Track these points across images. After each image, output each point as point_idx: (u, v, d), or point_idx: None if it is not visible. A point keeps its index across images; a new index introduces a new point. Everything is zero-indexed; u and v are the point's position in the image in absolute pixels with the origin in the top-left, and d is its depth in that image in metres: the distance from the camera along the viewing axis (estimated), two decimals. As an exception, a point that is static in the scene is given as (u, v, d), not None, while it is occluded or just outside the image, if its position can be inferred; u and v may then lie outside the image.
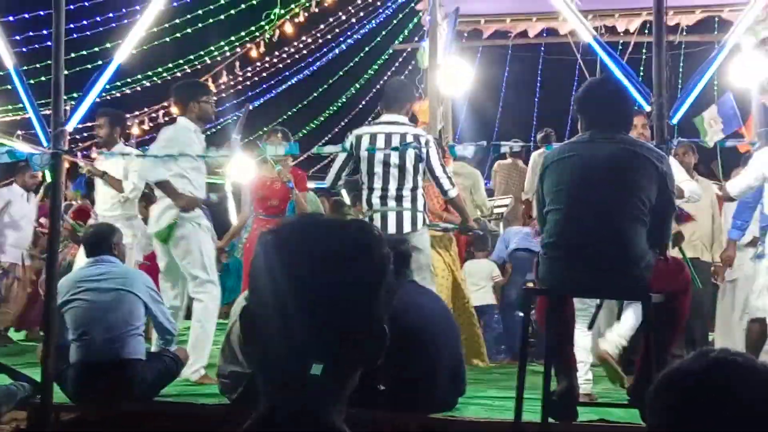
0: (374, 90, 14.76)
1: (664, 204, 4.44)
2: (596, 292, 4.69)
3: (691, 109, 6.03)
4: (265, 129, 8.75)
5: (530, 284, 5.72)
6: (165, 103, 13.58)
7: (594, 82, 4.82)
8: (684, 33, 10.48)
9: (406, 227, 6.22)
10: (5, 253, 9.44)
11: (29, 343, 9.38)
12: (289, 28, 13.40)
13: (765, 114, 9.04)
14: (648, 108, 5.25)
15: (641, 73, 10.62)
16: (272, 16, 13.12)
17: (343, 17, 14.27)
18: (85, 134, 10.22)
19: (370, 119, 6.52)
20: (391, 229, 6.14)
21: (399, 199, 6.22)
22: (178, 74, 13.66)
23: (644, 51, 11.18)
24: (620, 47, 10.64)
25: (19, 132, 10.00)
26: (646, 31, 10.00)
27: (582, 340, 5.61)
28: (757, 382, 1.45)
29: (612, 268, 4.37)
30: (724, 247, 7.45)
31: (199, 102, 6.71)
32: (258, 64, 14.50)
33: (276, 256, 1.41)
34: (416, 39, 11.19)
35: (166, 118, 14.39)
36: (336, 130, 15.39)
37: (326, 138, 14.00)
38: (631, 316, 5.77)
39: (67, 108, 5.67)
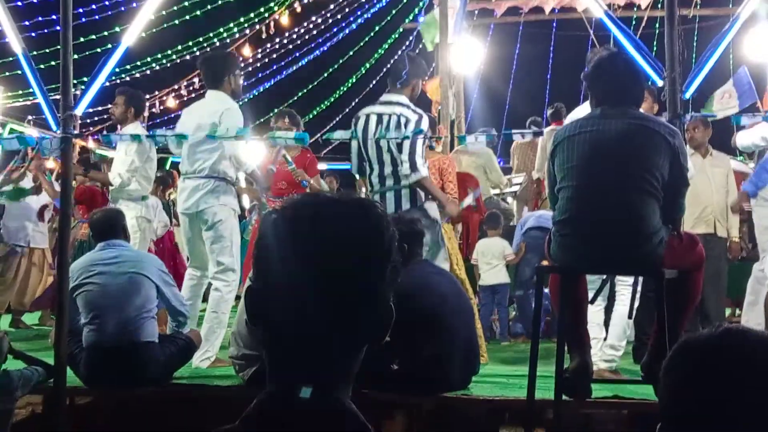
0: (384, 70, 14.72)
1: (676, 179, 4.39)
2: (609, 268, 4.65)
3: (705, 83, 5.99)
4: (274, 110, 8.67)
5: (544, 263, 5.70)
6: (175, 86, 13.64)
7: (604, 57, 4.76)
8: (698, 6, 10.40)
9: (404, 205, 6.19)
10: (12, 235, 9.48)
11: (43, 327, 9.44)
12: (298, 9, 13.38)
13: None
14: (660, 83, 5.19)
15: (654, 49, 10.55)
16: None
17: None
18: (96, 118, 10.22)
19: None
20: (390, 208, 6.11)
21: (395, 179, 6.18)
22: (187, 57, 13.68)
23: (657, 26, 11.10)
24: (633, 22, 10.57)
25: (29, 117, 10.02)
26: (659, 6, 9.92)
27: (594, 316, 5.63)
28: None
29: (624, 245, 4.33)
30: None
31: (234, 76, 6.62)
32: (268, 45, 14.49)
33: (281, 235, 1.41)
34: (422, 16, 11.10)
35: (177, 101, 14.43)
36: (346, 110, 15.37)
37: (336, 119, 14.00)
38: (618, 323, 5.80)
39: (77, 92, 5.66)
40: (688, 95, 5.35)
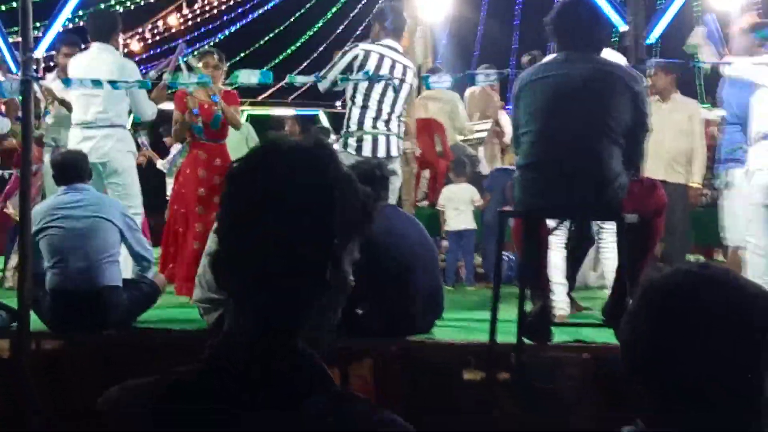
0: (350, 16, 14.62)
1: (637, 125, 4.43)
2: (570, 213, 4.69)
3: (668, 30, 5.98)
4: (240, 55, 8.55)
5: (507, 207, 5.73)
6: (139, 29, 13.48)
7: (567, 2, 4.75)
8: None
9: (393, 151, 6.28)
10: None
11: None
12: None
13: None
14: (624, 27, 5.19)
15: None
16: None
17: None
18: (52, 63, 10.08)
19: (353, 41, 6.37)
20: (381, 152, 6.19)
21: (388, 123, 6.25)
22: (141, 2, 13.48)
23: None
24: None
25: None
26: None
27: (558, 261, 5.72)
28: (727, 290, 1.47)
29: (586, 189, 4.37)
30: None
31: (117, 33, 6.94)
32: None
33: (236, 187, 1.46)
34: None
35: (141, 44, 14.29)
36: (313, 56, 15.26)
37: (303, 65, 13.90)
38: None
39: (39, 35, 5.58)
40: (650, 40, 5.36)
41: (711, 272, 1.50)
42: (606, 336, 4.82)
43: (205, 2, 14.43)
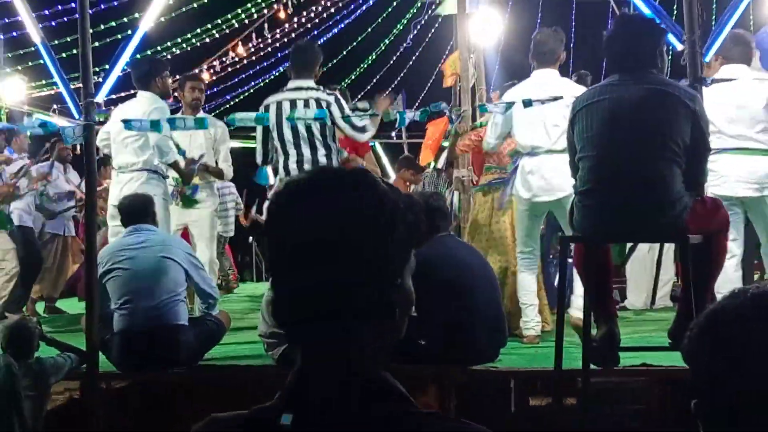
0: (405, 43, 14.68)
1: (697, 144, 4.36)
2: (633, 236, 4.65)
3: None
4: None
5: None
6: (196, 70, 13.65)
7: (618, 21, 4.72)
8: (717, -32, 10.25)
9: None
10: (46, 224, 9.58)
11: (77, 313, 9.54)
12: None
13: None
14: (680, 47, 5.15)
15: (674, 12, 10.42)
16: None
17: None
18: (112, 107, 10.29)
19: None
20: None
21: (315, 163, 6.15)
22: (207, 40, 13.70)
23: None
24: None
25: (55, 106, 10.08)
26: (678, -31, 9.79)
27: (531, 284, 6.18)
28: None
29: (648, 212, 4.32)
30: None
31: (162, 77, 7.01)
32: (286, 25, 14.47)
33: (283, 215, 1.44)
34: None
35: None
36: (368, 87, 15.35)
37: (359, 96, 13.97)
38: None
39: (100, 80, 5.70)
40: (708, 59, 5.31)
41: (764, 290, 1.46)
42: (673, 359, 4.75)
43: (260, 41, 14.62)
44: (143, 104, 6.74)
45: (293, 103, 6.19)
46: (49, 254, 9.65)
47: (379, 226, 1.41)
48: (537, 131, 6.07)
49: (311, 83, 6.29)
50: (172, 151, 6.94)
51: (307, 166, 6.13)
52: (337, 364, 1.41)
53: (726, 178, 5.97)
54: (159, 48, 13.70)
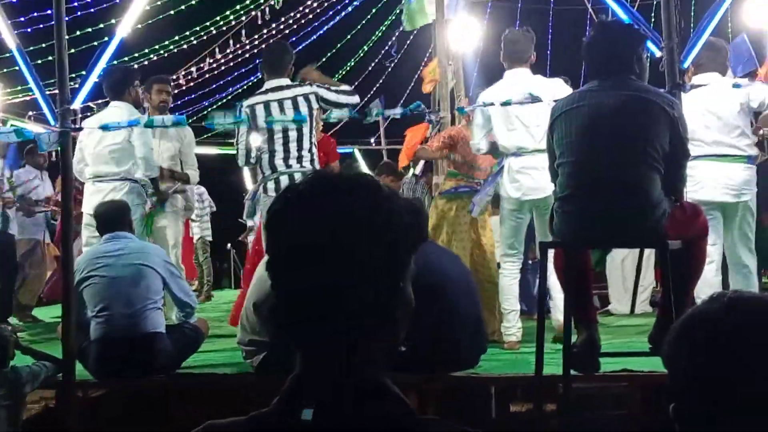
0: (383, 50, 14.69)
1: (676, 150, 4.37)
2: (613, 242, 4.65)
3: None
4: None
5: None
6: (173, 77, 13.60)
7: (597, 27, 4.72)
8: (694, -25, 10.32)
9: None
10: (26, 231, 9.49)
11: (53, 320, 9.45)
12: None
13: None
14: (659, 53, 5.16)
15: (652, 19, 10.48)
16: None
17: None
18: (90, 113, 10.22)
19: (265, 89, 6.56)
20: None
21: (300, 159, 6.31)
22: (184, 46, 13.64)
23: (654, -3, 11.04)
24: (630, -6, 10.47)
25: (30, 113, 10.00)
26: (656, -24, 9.85)
27: (513, 290, 6.24)
28: (759, 313, 1.43)
29: (627, 218, 4.32)
30: None
31: (134, 87, 7.13)
32: (264, 31, 14.46)
33: (291, 225, 1.42)
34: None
35: (176, 91, 14.49)
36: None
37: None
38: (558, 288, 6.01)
39: (76, 86, 5.66)
40: (686, 65, 5.33)
41: (750, 298, 1.47)
42: (653, 364, 4.76)
43: (237, 46, 14.59)
44: (121, 114, 6.70)
45: (281, 104, 6.30)
46: (33, 262, 9.56)
47: (375, 228, 1.40)
48: (519, 132, 6.11)
49: (288, 81, 6.42)
50: (157, 167, 6.98)
51: (293, 162, 6.27)
52: (333, 367, 1.40)
53: (703, 183, 5.99)
54: (136, 54, 13.65)
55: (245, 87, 15.83)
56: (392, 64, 14.49)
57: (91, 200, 6.77)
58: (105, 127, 5.94)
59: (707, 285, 5.26)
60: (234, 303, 7.86)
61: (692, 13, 12.36)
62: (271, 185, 6.34)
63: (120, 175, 6.78)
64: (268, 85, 6.44)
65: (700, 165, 5.93)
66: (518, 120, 6.10)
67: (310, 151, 6.36)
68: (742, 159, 6.10)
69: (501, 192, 6.33)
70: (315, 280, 1.38)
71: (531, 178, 6.08)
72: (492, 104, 6.10)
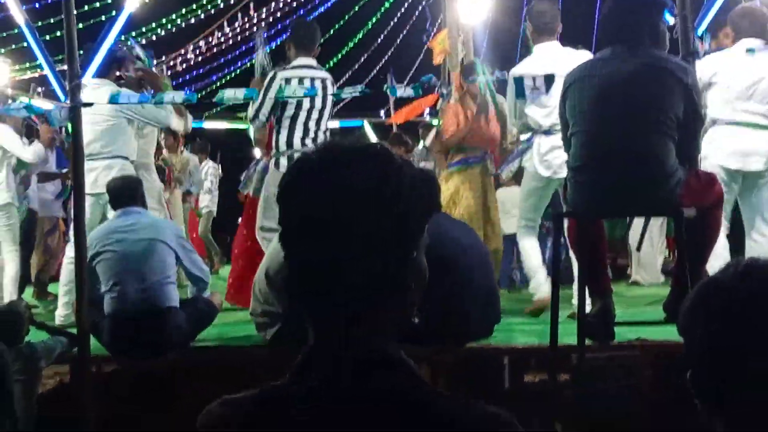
0: (392, 23, 14.61)
1: (690, 118, 4.33)
2: (627, 211, 4.63)
3: (716, 19, 5.89)
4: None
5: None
6: (182, 51, 13.61)
7: None
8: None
9: None
10: (47, 209, 9.48)
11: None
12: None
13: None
14: (672, 20, 5.11)
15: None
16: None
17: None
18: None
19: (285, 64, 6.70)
20: None
21: (315, 140, 6.46)
22: (192, 21, 13.60)
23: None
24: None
25: (39, 89, 9.96)
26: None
27: (535, 249, 6.28)
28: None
29: (641, 187, 4.30)
30: None
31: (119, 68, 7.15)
32: (272, 3, 14.40)
33: (301, 197, 1.43)
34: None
35: (183, 66, 14.50)
36: (355, 66, 15.29)
37: (347, 75, 13.93)
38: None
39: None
40: (700, 32, 5.28)
41: (765, 265, 1.46)
42: (668, 333, 4.74)
43: (245, 20, 14.53)
44: (98, 94, 6.40)
45: (312, 82, 6.47)
46: (53, 239, 9.56)
47: (383, 199, 1.40)
48: (554, 112, 5.98)
49: (315, 62, 6.63)
50: (165, 110, 6.89)
51: (308, 141, 6.41)
52: (344, 338, 1.40)
53: (729, 150, 5.81)
54: (144, 29, 13.61)
55: (253, 61, 15.78)
56: (401, 36, 14.42)
57: (85, 179, 6.70)
58: (114, 100, 5.91)
59: (716, 256, 5.17)
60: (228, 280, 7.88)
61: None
62: (283, 161, 6.39)
63: (111, 153, 6.73)
64: (297, 62, 6.56)
65: (730, 130, 5.82)
66: (554, 98, 5.96)
67: (325, 132, 6.52)
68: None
69: (528, 168, 6.24)
70: (326, 250, 1.38)
71: (560, 157, 6.00)
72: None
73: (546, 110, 5.98)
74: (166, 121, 7.02)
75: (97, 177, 6.54)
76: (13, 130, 7.83)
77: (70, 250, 6.67)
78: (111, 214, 6.21)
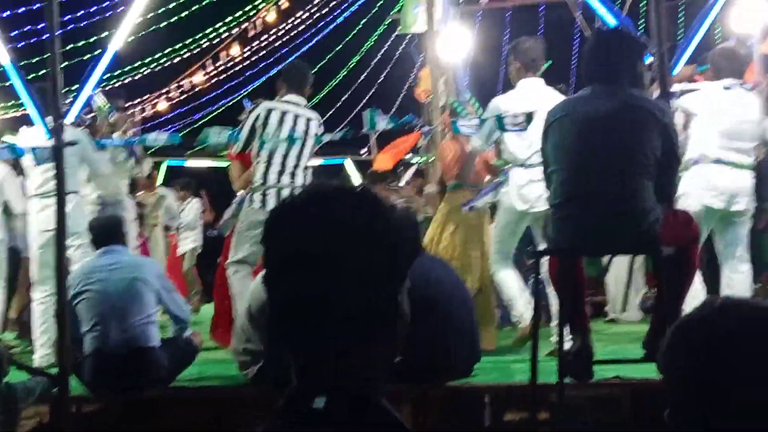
0: (373, 62, 14.71)
1: (668, 157, 4.39)
2: (607, 249, 4.66)
3: (692, 59, 5.99)
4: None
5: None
6: (164, 90, 13.65)
7: (593, 35, 4.74)
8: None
9: None
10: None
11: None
12: (284, 5, 13.35)
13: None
14: (649, 60, 5.18)
15: (642, 27, 10.52)
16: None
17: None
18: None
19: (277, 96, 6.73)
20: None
21: (293, 176, 6.42)
22: (176, 60, 13.67)
23: (643, 4, 11.08)
24: (619, 1, 10.54)
25: (24, 128, 9.94)
26: (644, -16, 9.90)
27: (513, 277, 6.22)
28: (758, 321, 1.45)
29: (621, 225, 4.33)
30: None
31: None
32: (255, 43, 14.48)
33: (289, 233, 1.42)
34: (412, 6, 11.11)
35: (168, 104, 14.55)
36: (338, 104, 15.36)
37: (328, 114, 13.99)
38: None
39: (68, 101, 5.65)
40: (676, 71, 5.35)
41: (740, 302, 1.50)
42: (646, 371, 4.76)
43: (228, 59, 14.61)
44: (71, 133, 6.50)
45: (296, 118, 6.47)
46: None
47: (374, 233, 1.40)
48: (531, 143, 6.03)
49: (305, 101, 6.63)
50: (103, 159, 7.00)
51: (285, 178, 6.38)
52: (329, 375, 1.39)
53: (705, 189, 5.90)
54: (128, 68, 13.65)
55: (236, 100, 15.88)
56: (383, 74, 14.50)
57: (40, 217, 6.66)
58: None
59: (692, 295, 5.20)
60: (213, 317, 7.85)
61: (681, 20, 12.43)
62: (257, 197, 6.37)
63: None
64: (286, 98, 6.56)
65: (706, 169, 5.93)
66: (533, 132, 6.01)
67: (304, 170, 6.47)
68: (750, 167, 6.08)
69: (504, 202, 6.27)
70: (316, 284, 1.38)
71: (536, 191, 6.05)
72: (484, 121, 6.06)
73: (524, 143, 6.03)
74: (99, 171, 7.00)
75: (50, 214, 6.48)
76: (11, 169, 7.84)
77: (38, 292, 6.67)
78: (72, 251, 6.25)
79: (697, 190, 5.76)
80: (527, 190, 6.03)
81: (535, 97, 6.05)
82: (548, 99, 5.95)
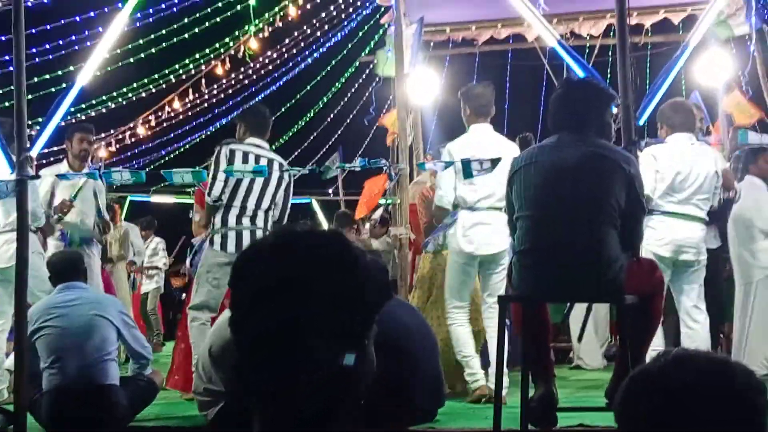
0: (342, 103, 14.76)
1: (634, 206, 4.43)
2: (570, 296, 4.67)
3: (658, 110, 6.09)
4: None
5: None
6: (131, 124, 13.59)
7: (561, 84, 4.79)
8: (649, 34, 10.52)
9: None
10: None
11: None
12: (254, 44, 13.38)
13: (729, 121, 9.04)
14: (615, 110, 5.24)
15: (608, 76, 10.66)
16: (237, 33, 13.10)
17: (308, 31, 14.25)
18: (52, 159, 10.12)
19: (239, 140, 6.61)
20: (242, 246, 6.18)
21: (253, 219, 6.35)
22: (143, 95, 13.62)
23: (610, 54, 11.22)
24: (587, 51, 10.67)
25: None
26: (612, 34, 10.04)
27: (469, 336, 6.24)
28: (714, 375, 1.45)
29: (585, 273, 4.35)
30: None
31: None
32: (224, 81, 14.50)
33: (260, 270, 1.42)
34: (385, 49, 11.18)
35: (132, 139, 14.48)
36: (305, 144, 15.38)
37: (295, 153, 14.02)
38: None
39: (33, 133, 5.60)
40: (642, 122, 5.42)
41: (693, 354, 1.50)
42: (610, 419, 4.75)
43: (196, 96, 14.61)
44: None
45: (258, 159, 6.36)
46: None
47: (346, 262, 1.42)
48: (479, 187, 6.12)
49: (267, 144, 6.58)
50: (42, 217, 6.93)
51: (245, 220, 6.30)
52: (293, 419, 1.38)
53: (665, 239, 6.12)
54: (94, 102, 13.60)
55: (203, 136, 15.85)
56: (351, 116, 14.56)
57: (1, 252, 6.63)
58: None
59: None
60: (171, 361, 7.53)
61: (647, 70, 12.61)
62: (217, 239, 6.30)
63: (11, 226, 6.42)
64: (248, 140, 6.49)
65: (666, 221, 6.08)
66: (485, 177, 6.07)
67: (266, 212, 6.38)
68: (701, 220, 6.22)
69: (452, 244, 6.32)
70: (287, 311, 1.37)
71: (483, 234, 6.12)
72: (452, 163, 6.10)
73: (473, 187, 6.12)
74: (36, 222, 6.83)
75: (9, 248, 6.39)
76: None
77: None
78: None
79: (648, 240, 5.85)
80: (472, 232, 6.12)
81: (486, 142, 6.15)
82: (500, 144, 6.08)
